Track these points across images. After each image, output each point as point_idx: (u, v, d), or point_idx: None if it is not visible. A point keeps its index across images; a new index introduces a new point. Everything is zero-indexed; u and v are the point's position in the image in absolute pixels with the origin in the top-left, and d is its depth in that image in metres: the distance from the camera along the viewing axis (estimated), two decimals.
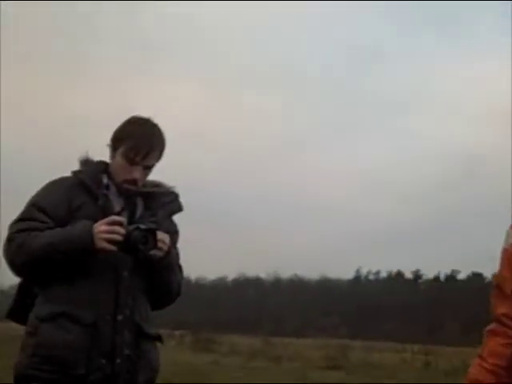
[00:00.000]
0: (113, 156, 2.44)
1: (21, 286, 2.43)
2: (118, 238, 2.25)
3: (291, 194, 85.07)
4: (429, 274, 65.81)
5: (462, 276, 64.64)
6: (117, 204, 2.41)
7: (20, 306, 2.40)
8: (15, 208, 2.39)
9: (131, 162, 2.39)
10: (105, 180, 2.43)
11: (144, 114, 2.46)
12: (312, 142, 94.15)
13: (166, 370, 2.48)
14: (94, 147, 2.53)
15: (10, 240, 2.30)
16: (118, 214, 2.36)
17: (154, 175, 2.50)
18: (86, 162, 2.47)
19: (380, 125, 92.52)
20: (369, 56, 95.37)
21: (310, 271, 69.15)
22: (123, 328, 2.30)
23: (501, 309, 2.12)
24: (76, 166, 2.47)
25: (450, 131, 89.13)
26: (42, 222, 2.32)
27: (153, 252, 2.30)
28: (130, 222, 2.33)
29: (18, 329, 2.43)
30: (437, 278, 65.06)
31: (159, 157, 2.45)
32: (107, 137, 2.46)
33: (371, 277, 68.82)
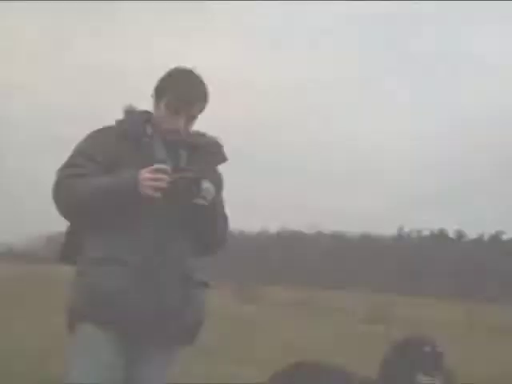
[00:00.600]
0: (156, 106, 2.46)
1: (69, 231, 2.50)
2: (162, 185, 2.27)
3: (339, 150, 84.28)
4: (472, 234, 65.01)
5: (506, 237, 63.65)
6: (160, 153, 2.43)
7: (69, 249, 2.48)
8: (63, 156, 2.44)
9: (175, 111, 2.40)
10: (148, 129, 2.45)
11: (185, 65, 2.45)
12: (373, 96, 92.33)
13: (210, 319, 2.52)
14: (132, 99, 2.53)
15: (58, 185, 2.36)
16: (162, 162, 2.37)
17: (199, 126, 2.51)
18: (129, 112, 2.49)
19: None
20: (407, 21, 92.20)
21: (352, 228, 69.01)
22: (170, 272, 2.36)
23: None
24: (120, 116, 2.49)
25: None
26: (88, 169, 2.36)
27: (197, 200, 2.32)
28: (174, 171, 2.34)
29: (68, 271, 2.51)
30: (480, 238, 64.22)
31: (202, 107, 2.45)
32: (145, 89, 2.46)
33: (413, 235, 68.35)
